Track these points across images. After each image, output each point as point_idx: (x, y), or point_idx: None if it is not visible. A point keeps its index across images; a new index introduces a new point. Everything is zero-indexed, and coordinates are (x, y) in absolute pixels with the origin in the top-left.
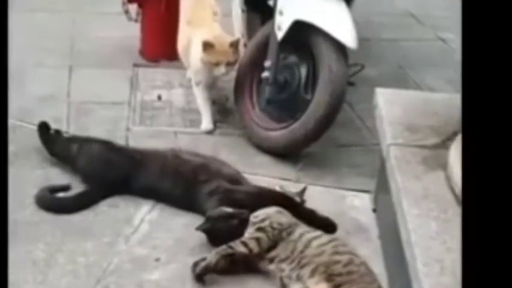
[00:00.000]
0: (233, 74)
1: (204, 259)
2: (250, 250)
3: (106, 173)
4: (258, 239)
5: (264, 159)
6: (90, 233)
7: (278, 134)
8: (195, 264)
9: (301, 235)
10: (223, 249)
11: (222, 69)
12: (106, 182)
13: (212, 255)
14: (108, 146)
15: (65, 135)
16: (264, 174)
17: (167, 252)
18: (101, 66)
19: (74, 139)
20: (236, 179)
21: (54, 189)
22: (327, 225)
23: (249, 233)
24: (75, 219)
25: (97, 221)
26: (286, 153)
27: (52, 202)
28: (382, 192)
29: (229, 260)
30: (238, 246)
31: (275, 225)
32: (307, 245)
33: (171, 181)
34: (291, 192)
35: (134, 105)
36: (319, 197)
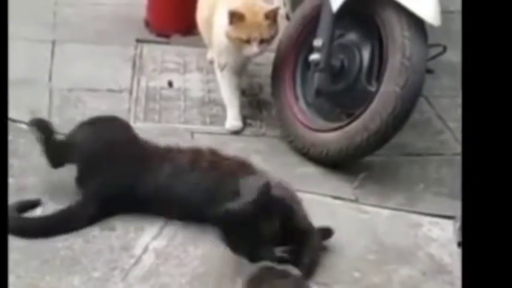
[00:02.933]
0: (270, 55)
1: None
2: None
3: (107, 175)
4: None
5: (310, 171)
6: (78, 264)
7: (330, 136)
8: None
9: None
10: None
11: (254, 48)
12: (107, 191)
13: None
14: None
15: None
16: (309, 190)
17: None
18: (94, 42)
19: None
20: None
21: (24, 207)
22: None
23: None
24: (58, 246)
25: (86, 249)
26: (341, 163)
27: (22, 224)
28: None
29: None
30: None
31: None
32: None
33: (201, 175)
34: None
35: (137, 94)
36: (384, 224)
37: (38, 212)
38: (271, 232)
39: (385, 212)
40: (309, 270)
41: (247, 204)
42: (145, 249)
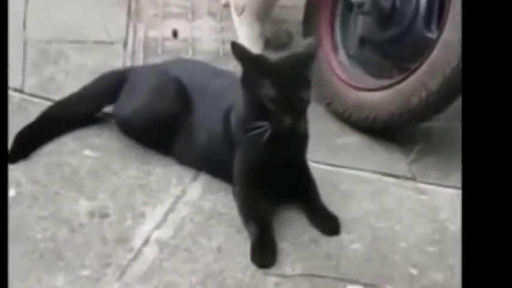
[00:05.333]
0: None
1: None
2: None
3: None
4: None
5: (353, 141)
6: (61, 260)
7: (378, 96)
8: None
9: None
10: None
11: None
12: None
13: None
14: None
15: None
16: (353, 166)
17: None
18: None
19: None
20: None
21: None
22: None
23: None
24: (36, 237)
25: (72, 240)
26: (392, 131)
27: None
28: None
29: None
30: None
31: None
32: None
33: None
34: None
35: (133, 47)
36: (447, 207)
37: None
38: None
39: (448, 192)
40: None
41: None
42: (146, 241)
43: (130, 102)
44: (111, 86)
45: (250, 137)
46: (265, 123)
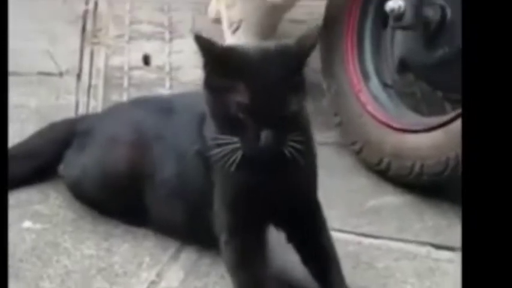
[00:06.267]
0: (316, 4)
1: None
2: None
3: None
4: None
5: (392, 202)
6: None
7: (426, 140)
8: None
9: None
10: None
11: None
12: None
13: None
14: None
15: None
16: (393, 236)
17: None
18: None
19: None
20: None
21: None
22: None
23: None
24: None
25: None
26: (444, 186)
27: None
28: None
29: None
30: None
31: None
32: None
33: None
34: None
35: (90, 79)
36: None
37: None
38: None
39: None
40: None
41: None
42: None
43: (80, 159)
44: (59, 138)
45: (218, 158)
46: (235, 139)
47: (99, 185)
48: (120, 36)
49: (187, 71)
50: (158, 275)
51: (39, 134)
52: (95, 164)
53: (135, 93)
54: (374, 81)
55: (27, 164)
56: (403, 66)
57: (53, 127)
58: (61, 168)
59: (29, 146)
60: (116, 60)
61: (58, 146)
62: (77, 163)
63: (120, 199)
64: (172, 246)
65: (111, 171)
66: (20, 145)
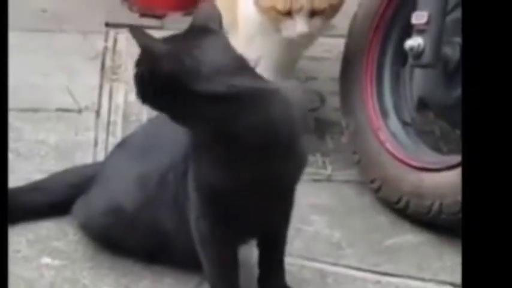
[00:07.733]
0: (335, 42)
1: None
2: None
3: None
4: None
5: (412, 241)
6: None
7: (445, 178)
8: None
9: None
10: None
11: (300, 24)
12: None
13: None
14: None
15: None
16: (412, 274)
17: None
18: (36, 28)
19: None
20: None
21: None
22: None
23: None
24: None
25: None
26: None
27: None
28: None
29: None
30: None
31: None
32: None
33: None
34: None
35: (109, 115)
36: None
37: None
38: None
39: None
40: None
41: None
42: None
43: (87, 200)
44: (75, 179)
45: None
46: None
47: (104, 224)
48: None
49: None
50: None
51: (57, 174)
52: (100, 203)
53: None
54: (393, 119)
55: (44, 196)
56: (422, 104)
57: (72, 169)
58: (73, 208)
59: (47, 181)
60: (134, 97)
61: (73, 189)
62: (85, 202)
63: (133, 236)
64: (192, 281)
65: (116, 208)
66: (39, 181)
